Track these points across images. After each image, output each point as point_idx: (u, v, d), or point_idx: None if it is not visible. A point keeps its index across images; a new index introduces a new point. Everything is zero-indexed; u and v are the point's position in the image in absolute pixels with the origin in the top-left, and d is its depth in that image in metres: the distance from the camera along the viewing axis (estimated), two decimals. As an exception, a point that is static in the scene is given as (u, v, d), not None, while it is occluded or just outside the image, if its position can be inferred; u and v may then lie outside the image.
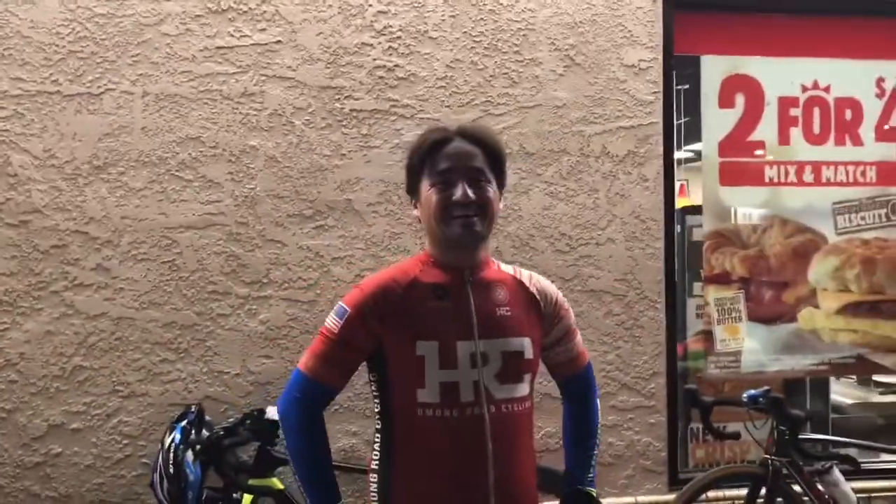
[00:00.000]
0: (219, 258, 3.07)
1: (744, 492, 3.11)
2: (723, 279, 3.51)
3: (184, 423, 2.64)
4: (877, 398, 4.72)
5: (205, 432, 2.62)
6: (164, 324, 3.04)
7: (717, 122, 3.51)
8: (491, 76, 3.25)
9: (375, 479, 1.86)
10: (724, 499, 3.28)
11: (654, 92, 3.36)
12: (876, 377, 4.39)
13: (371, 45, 3.17)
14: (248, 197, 3.09)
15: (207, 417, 2.78)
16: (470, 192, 1.77)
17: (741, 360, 3.53)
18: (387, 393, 1.83)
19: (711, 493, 3.20)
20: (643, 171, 3.35)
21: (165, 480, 2.50)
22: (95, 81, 3.01)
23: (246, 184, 3.09)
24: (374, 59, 3.17)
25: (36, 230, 2.97)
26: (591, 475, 2.01)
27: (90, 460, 2.99)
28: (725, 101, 3.51)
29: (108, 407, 3.01)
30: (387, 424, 1.84)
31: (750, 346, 3.53)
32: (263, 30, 3.11)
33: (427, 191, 1.82)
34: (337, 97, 3.15)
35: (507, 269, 1.96)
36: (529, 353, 1.86)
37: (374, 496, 1.86)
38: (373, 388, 1.88)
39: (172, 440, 2.56)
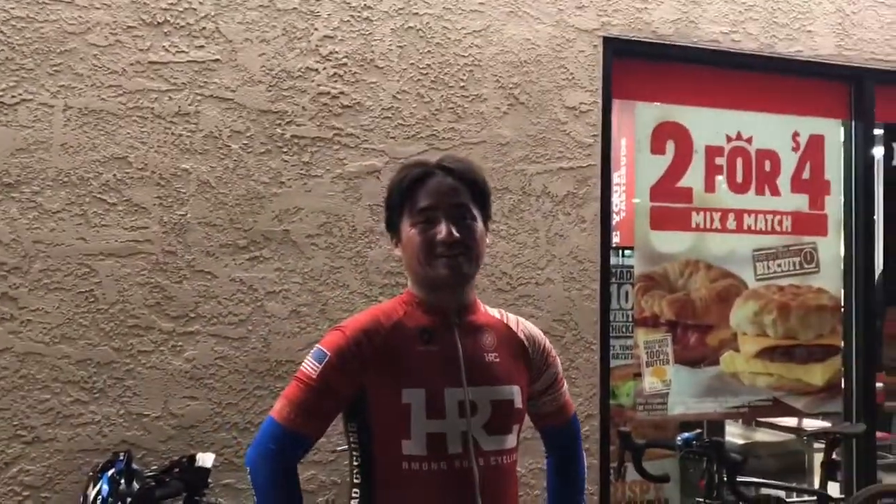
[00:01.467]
0: (142, 289, 2.82)
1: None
2: (652, 322, 3.56)
3: (112, 472, 2.38)
4: (762, 438, 4.91)
5: (135, 483, 2.36)
6: (78, 360, 2.75)
7: (649, 167, 3.58)
8: (437, 110, 3.18)
9: None
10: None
11: (594, 135, 3.39)
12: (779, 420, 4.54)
13: (316, 69, 3.03)
14: (177, 224, 2.86)
15: (134, 466, 2.52)
16: (454, 231, 1.68)
17: (668, 402, 3.57)
18: (368, 444, 1.69)
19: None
20: (581, 212, 3.36)
21: (89, 540, 2.23)
22: (9, 90, 2.72)
23: (176, 210, 2.86)
24: (319, 85, 3.03)
25: (-69, 253, 2.63)
26: None
27: (-16, 515, 2.65)
28: (657, 147, 3.59)
29: (6, 454, 2.68)
30: (366, 478, 1.70)
31: (676, 389, 3.58)
32: (201, 47, 2.91)
33: (409, 230, 1.72)
34: (278, 122, 2.98)
35: (494, 312, 1.87)
36: (518, 402, 1.76)
37: None
38: (350, 439, 1.73)
39: (98, 492, 2.29)
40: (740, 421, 4.68)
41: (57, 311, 2.74)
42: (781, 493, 3.24)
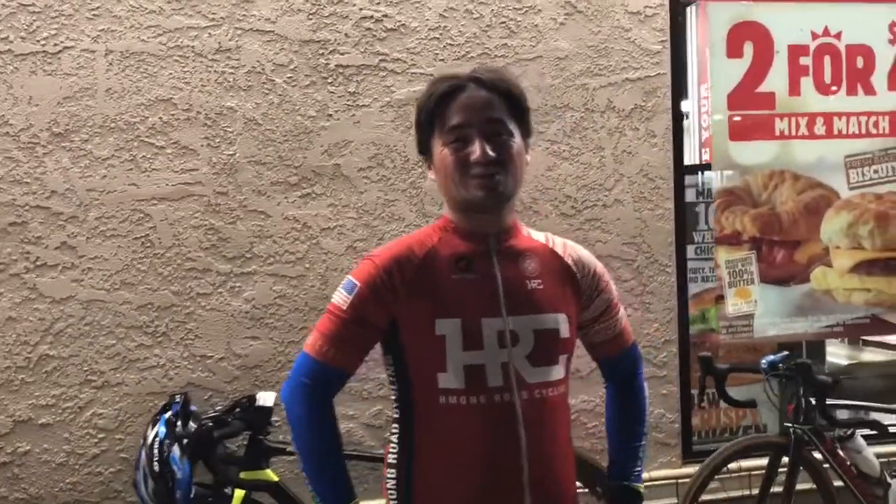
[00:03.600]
0: (196, 232, 2.80)
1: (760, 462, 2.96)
2: (734, 239, 3.32)
3: (168, 414, 2.39)
4: (869, 357, 4.61)
5: (192, 424, 2.37)
6: (139, 306, 2.76)
7: (725, 73, 3.30)
8: (487, 26, 2.99)
9: (394, 475, 1.63)
10: (742, 470, 3.12)
11: (661, 41, 3.14)
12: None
13: (357, -7, 2.89)
14: (226, 164, 2.81)
15: (193, 407, 2.53)
16: (489, 149, 1.54)
17: (753, 324, 3.35)
18: (404, 378, 1.61)
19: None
20: (651, 126, 3.14)
21: (150, 479, 2.25)
22: (51, 38, 2.70)
23: (224, 149, 2.81)
24: (361, 10, 2.89)
25: (-9, 206, 2.67)
26: (638, 468, 1.79)
27: (62, 458, 2.72)
28: (733, 50, 3.29)
29: (79, 399, 2.74)
30: (406, 413, 1.62)
31: (762, 310, 3.35)
32: (238, -23, 2.81)
33: (440, 150, 1.58)
34: (321, 52, 2.87)
35: (538, 236, 1.71)
36: (565, 332, 1.63)
37: (391, 493, 1.64)
38: (389, 372, 1.65)
39: (156, 434, 2.31)
40: (845, 341, 4.41)
41: (115, 257, 2.75)
42: (878, 416, 3.01)
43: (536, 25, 3.03)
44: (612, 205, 3.12)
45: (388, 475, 1.65)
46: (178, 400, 2.47)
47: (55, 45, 2.70)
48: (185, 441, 2.27)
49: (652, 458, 3.18)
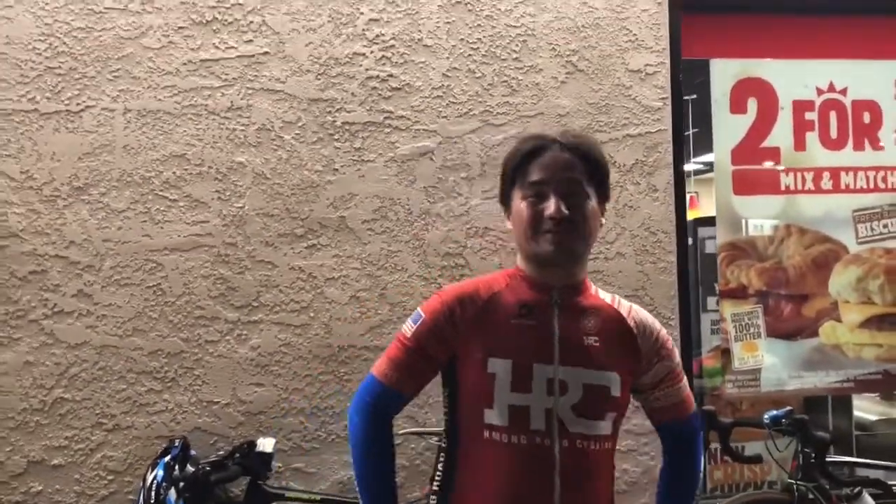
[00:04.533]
0: (206, 281, 2.92)
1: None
2: (739, 293, 3.33)
3: (167, 458, 2.47)
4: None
5: (189, 468, 2.45)
6: (150, 352, 2.88)
7: (729, 128, 3.34)
8: (489, 84, 3.09)
9: (435, 501, 1.76)
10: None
11: (662, 98, 3.20)
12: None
13: (363, 54, 3.02)
14: (236, 216, 2.93)
15: (193, 451, 2.61)
16: (563, 207, 1.64)
17: (760, 378, 3.34)
18: (455, 410, 1.71)
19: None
20: (652, 181, 3.19)
21: (146, 521, 2.33)
22: (74, 98, 2.87)
23: (234, 202, 2.93)
24: (367, 70, 3.02)
25: (13, 255, 2.82)
26: None
27: (73, 498, 2.82)
28: (737, 106, 3.35)
29: (91, 441, 2.84)
30: (452, 444, 1.72)
31: (770, 363, 3.34)
32: (250, 41, 2.96)
33: (519, 203, 1.71)
34: (328, 110, 3.00)
35: (605, 296, 1.80)
36: (616, 391, 1.69)
37: None
38: (444, 403, 1.76)
39: (154, 477, 2.39)
40: (878, 395, 4.34)
41: (128, 305, 2.87)
42: (880, 473, 2.96)
43: (538, 84, 3.12)
44: (614, 258, 3.16)
45: (431, 501, 1.75)
46: (177, 444, 2.56)
47: (77, 104, 2.87)
48: (181, 484, 2.35)
49: (655, 512, 3.16)
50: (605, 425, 1.68)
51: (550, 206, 1.64)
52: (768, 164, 3.35)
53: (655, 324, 1.80)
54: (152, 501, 2.34)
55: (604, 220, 1.77)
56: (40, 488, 2.81)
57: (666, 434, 1.87)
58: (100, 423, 2.85)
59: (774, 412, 2.97)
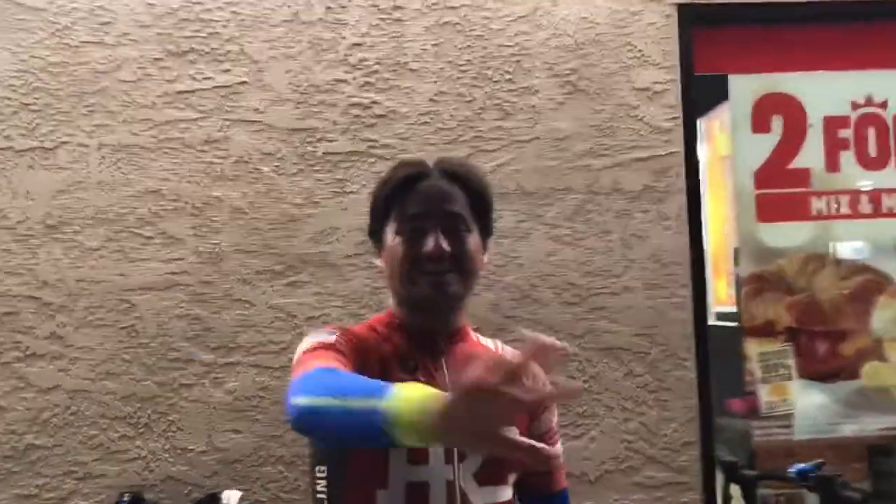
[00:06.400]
0: (181, 322, 2.79)
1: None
2: (766, 330, 3.01)
3: (122, 513, 2.34)
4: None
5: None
6: (123, 396, 2.75)
7: (751, 149, 3.05)
8: (480, 108, 2.89)
9: None
10: None
11: (673, 118, 2.94)
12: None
13: (345, 80, 2.87)
14: (212, 253, 2.80)
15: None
16: (444, 244, 1.43)
17: (793, 424, 3.00)
18: (338, 493, 1.43)
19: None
20: (663, 208, 2.92)
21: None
22: (49, 134, 2.80)
23: (210, 238, 2.80)
24: (349, 97, 2.86)
25: (-14, 297, 2.75)
26: None
27: (42, 549, 2.71)
28: (760, 124, 3.05)
29: (62, 490, 2.73)
30: None
31: (803, 408, 3.00)
32: (227, 70, 2.85)
33: (392, 239, 1.48)
34: (309, 139, 2.85)
35: (488, 342, 1.58)
36: None
37: None
38: (317, 487, 1.46)
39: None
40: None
41: (101, 347, 2.76)
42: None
43: (533, 106, 2.91)
44: (621, 292, 2.90)
45: None
46: (126, 499, 2.42)
47: (52, 140, 2.80)
48: None
49: (673, 575, 2.85)
50: (508, 490, 1.46)
51: (430, 242, 1.42)
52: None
53: (542, 372, 1.53)
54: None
55: (486, 258, 1.54)
56: (11, 538, 2.71)
57: None
58: (71, 472, 2.73)
59: (801, 465, 2.66)
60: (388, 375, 1.38)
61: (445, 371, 1.46)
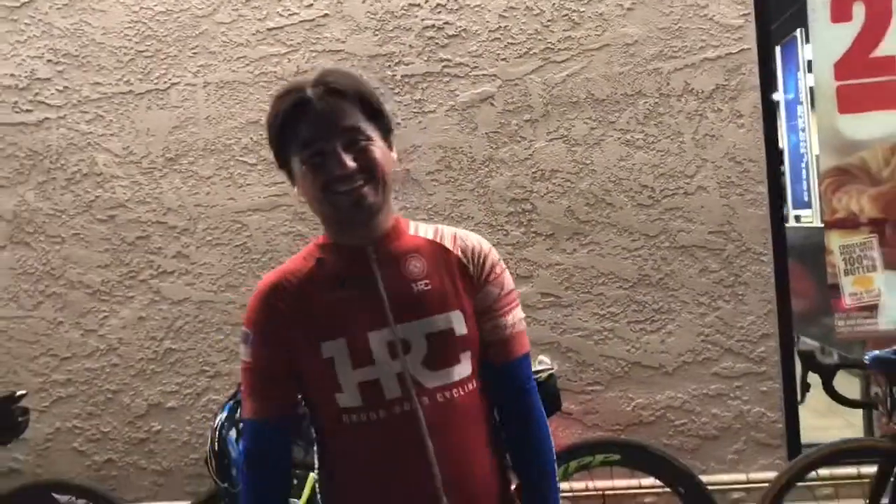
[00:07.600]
0: (286, 238, 3.11)
1: (867, 469, 2.67)
2: (849, 223, 3.01)
3: (232, 401, 2.70)
4: None
5: (252, 411, 2.65)
6: (241, 305, 3.12)
7: (831, 39, 2.99)
8: (549, 20, 2.99)
9: (321, 499, 1.67)
10: (841, 478, 2.83)
11: (744, 14, 2.93)
12: None
13: (418, 4, 3.03)
14: (308, 175, 3.08)
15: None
16: (349, 161, 1.45)
17: (878, 315, 3.01)
18: (312, 405, 1.59)
19: (826, 472, 2.77)
20: (736, 106, 2.94)
21: (212, 458, 2.57)
22: (162, 77, 3.14)
23: (306, 162, 3.08)
24: (423, 20, 3.03)
25: (122, 223, 3.16)
26: None
27: (185, 437, 3.16)
28: (839, 13, 2.98)
29: (197, 386, 3.16)
30: (320, 438, 1.61)
31: (889, 299, 3.00)
32: (310, 5, 3.07)
33: (301, 169, 1.48)
34: (388, 64, 3.05)
35: (427, 231, 1.61)
36: (462, 328, 1.54)
37: None
38: (303, 404, 1.61)
39: (219, 419, 2.62)
40: None
41: (220, 263, 3.14)
42: None
43: (601, 14, 2.97)
44: (695, 192, 2.97)
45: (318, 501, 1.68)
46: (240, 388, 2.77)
47: (164, 82, 3.14)
48: (241, 426, 2.55)
49: (751, 459, 2.98)
50: (463, 367, 1.54)
51: (335, 165, 1.45)
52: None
53: (484, 245, 1.60)
54: (216, 440, 2.57)
55: (394, 154, 1.55)
56: (160, 427, 3.17)
57: (494, 386, 1.62)
58: (203, 371, 3.16)
59: (877, 352, 2.68)
60: (323, 297, 1.51)
61: (377, 275, 1.52)
